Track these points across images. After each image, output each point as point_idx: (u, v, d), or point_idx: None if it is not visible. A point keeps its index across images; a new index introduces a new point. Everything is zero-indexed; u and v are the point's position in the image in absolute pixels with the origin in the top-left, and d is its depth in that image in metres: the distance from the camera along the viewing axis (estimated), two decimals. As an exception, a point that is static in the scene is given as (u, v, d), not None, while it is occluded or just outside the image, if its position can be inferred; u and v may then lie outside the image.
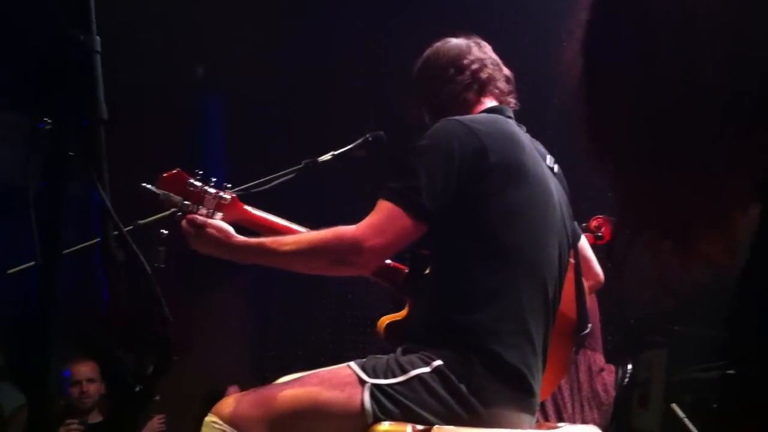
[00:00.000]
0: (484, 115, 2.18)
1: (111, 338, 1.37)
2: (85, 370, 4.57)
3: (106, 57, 1.20)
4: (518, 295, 1.99)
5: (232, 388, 5.08)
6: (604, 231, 3.77)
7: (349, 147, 2.43)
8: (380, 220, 1.97)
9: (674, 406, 3.15)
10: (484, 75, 2.24)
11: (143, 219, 2.25)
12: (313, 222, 2.22)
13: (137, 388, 1.89)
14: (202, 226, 2.08)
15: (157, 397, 1.81)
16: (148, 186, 2.20)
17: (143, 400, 1.84)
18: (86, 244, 2.19)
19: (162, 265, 2.00)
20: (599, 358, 3.81)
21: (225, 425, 1.87)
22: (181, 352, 1.81)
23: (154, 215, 2.26)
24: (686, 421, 3.07)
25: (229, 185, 2.28)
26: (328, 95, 5.71)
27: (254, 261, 2.12)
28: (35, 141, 1.15)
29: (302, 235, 2.13)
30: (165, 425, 4.79)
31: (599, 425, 3.41)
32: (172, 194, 2.20)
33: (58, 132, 1.14)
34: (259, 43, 5.49)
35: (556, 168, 2.24)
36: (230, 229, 2.10)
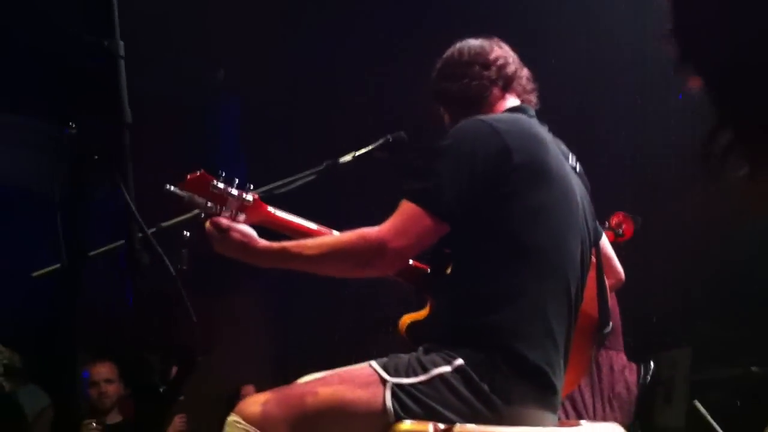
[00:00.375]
0: (507, 114, 2.18)
1: (136, 340, 1.39)
2: (103, 370, 4.60)
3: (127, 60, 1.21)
4: (541, 294, 1.99)
5: (248, 388, 5.09)
6: (625, 228, 3.76)
7: (369, 148, 2.43)
8: (403, 221, 1.98)
9: (697, 403, 3.13)
10: (509, 71, 2.24)
11: (167, 221, 2.26)
12: (335, 223, 2.22)
13: (162, 389, 1.91)
14: (227, 230, 2.09)
15: (181, 398, 1.83)
16: (172, 188, 2.21)
17: (168, 401, 1.86)
18: (111, 246, 2.20)
19: (185, 267, 2.01)
20: (621, 357, 3.80)
21: (248, 425, 1.88)
22: (203, 353, 1.82)
23: (178, 217, 2.27)
24: (710, 418, 3.05)
25: (252, 187, 2.28)
26: (347, 96, 5.72)
27: (278, 265, 2.13)
28: (60, 146, 1.16)
29: (325, 238, 2.14)
30: (186, 425, 4.81)
31: (621, 424, 3.40)
32: (195, 196, 2.21)
33: (83, 136, 1.16)
34: (278, 43, 5.51)
35: (578, 167, 2.24)
36: (254, 234, 2.10)
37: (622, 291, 2.91)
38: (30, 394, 4.38)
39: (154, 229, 2.11)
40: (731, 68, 0.89)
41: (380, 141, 2.43)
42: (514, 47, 2.31)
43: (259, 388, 1.96)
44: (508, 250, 2.00)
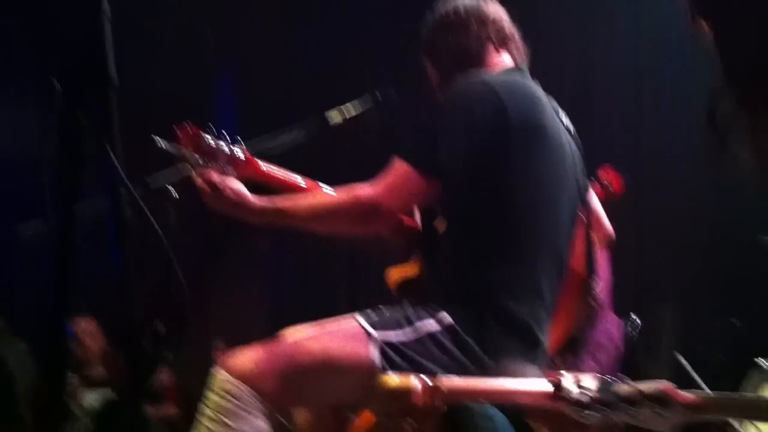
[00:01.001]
0: (503, 73, 2.17)
1: (126, 302, 1.39)
2: (86, 326, 4.62)
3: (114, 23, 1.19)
4: (530, 253, 2.01)
5: (220, 343, 5.09)
6: (614, 184, 3.76)
7: (359, 110, 2.41)
8: (396, 180, 1.99)
9: (679, 356, 3.18)
10: (504, 29, 2.23)
11: (155, 177, 2.24)
12: (326, 179, 2.22)
13: (150, 348, 1.92)
14: (219, 186, 2.08)
15: (170, 356, 1.83)
16: (162, 142, 2.19)
17: (156, 360, 1.87)
18: (98, 206, 2.19)
19: (174, 227, 2.00)
20: (608, 314, 3.84)
21: (234, 380, 1.89)
22: (192, 312, 1.82)
23: (167, 173, 2.24)
24: (692, 371, 3.10)
25: (242, 142, 2.26)
26: (339, 51, 5.67)
27: (269, 223, 2.14)
28: (47, 106, 1.15)
29: (318, 197, 2.14)
30: (174, 382, 4.84)
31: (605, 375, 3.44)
32: (185, 150, 2.19)
33: (69, 97, 1.14)
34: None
35: (569, 125, 2.24)
36: (245, 190, 2.10)
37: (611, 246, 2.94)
38: (15, 351, 4.39)
39: (142, 188, 2.09)
40: (739, 19, 0.88)
41: (368, 97, 2.41)
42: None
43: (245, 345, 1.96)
44: (499, 209, 2.01)
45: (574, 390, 1.46)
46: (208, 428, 1.86)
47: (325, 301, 5.98)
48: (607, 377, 1.45)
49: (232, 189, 2.08)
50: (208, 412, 1.88)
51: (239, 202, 2.07)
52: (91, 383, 4.46)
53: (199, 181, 2.11)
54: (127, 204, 1.34)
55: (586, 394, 1.44)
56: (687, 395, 1.36)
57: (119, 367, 4.59)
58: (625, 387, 1.40)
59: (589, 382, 1.46)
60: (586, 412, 1.44)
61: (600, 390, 1.43)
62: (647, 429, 1.38)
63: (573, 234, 2.17)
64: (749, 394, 2.92)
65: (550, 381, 1.53)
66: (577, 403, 1.45)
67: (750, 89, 0.89)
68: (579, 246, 2.23)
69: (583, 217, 2.26)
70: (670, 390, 1.36)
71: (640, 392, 1.38)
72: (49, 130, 1.17)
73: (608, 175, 3.79)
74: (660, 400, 1.35)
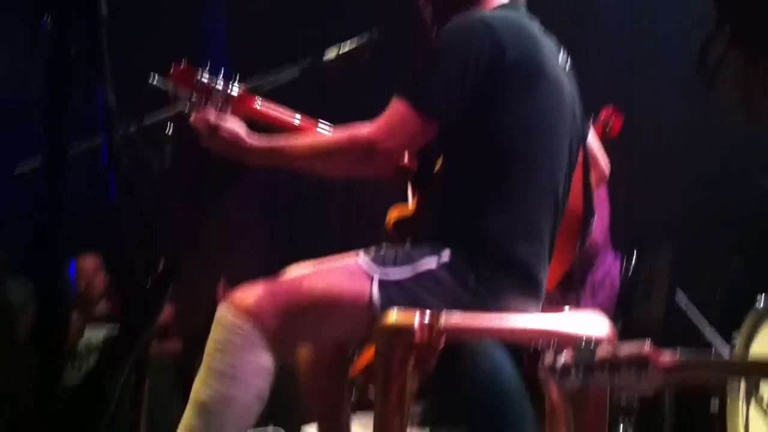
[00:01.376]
0: (500, 11, 2.13)
1: (120, 239, 1.39)
2: (89, 263, 4.65)
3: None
4: (528, 194, 2.01)
5: (223, 282, 5.13)
6: (613, 124, 3.74)
7: (354, 46, 2.38)
8: (393, 121, 1.97)
9: (677, 295, 3.20)
10: None
11: (149, 117, 2.22)
12: (323, 116, 2.21)
13: (148, 286, 1.92)
14: (214, 125, 2.06)
15: (168, 294, 1.84)
16: (156, 80, 2.16)
17: (155, 298, 1.87)
18: (92, 144, 2.18)
19: (168, 166, 1.99)
20: (607, 252, 3.85)
21: (237, 316, 1.90)
22: (189, 250, 1.82)
23: (160, 112, 2.23)
24: (689, 311, 3.12)
25: (237, 78, 2.24)
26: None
27: (266, 163, 2.13)
28: (37, 43, 1.13)
29: (316, 137, 2.13)
30: (174, 320, 4.88)
31: (603, 313, 3.48)
32: (180, 88, 2.16)
33: (59, 33, 1.12)
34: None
35: (567, 64, 2.21)
36: (242, 130, 2.08)
37: (609, 185, 2.93)
38: (15, 287, 4.42)
39: (135, 126, 2.08)
40: None
41: (362, 36, 2.38)
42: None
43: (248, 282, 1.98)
44: (498, 150, 2.00)
45: (553, 355, 1.46)
46: (213, 363, 1.89)
47: (323, 241, 6.01)
48: (585, 340, 1.45)
49: (227, 129, 2.06)
50: (212, 347, 1.90)
51: (234, 142, 2.06)
52: (94, 320, 4.51)
53: (193, 120, 2.09)
54: (121, 141, 1.33)
55: (564, 359, 1.44)
56: (666, 358, 1.36)
57: (121, 304, 4.64)
58: (603, 351, 1.40)
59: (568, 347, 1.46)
60: (564, 377, 1.44)
61: (578, 354, 1.43)
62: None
63: (571, 174, 2.16)
64: (726, 355, 2.95)
65: (530, 346, 1.53)
66: (555, 369, 1.45)
67: (743, 29, 0.88)
68: (577, 186, 2.23)
69: (582, 157, 2.25)
70: (648, 353, 1.36)
71: (619, 356, 1.38)
72: (40, 65, 1.15)
73: (609, 115, 3.77)
74: (639, 363, 1.35)
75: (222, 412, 1.86)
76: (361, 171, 2.11)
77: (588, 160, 2.29)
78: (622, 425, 3.08)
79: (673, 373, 1.35)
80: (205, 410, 1.86)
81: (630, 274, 3.72)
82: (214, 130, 2.05)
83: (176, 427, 1.90)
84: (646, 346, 1.37)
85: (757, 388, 2.82)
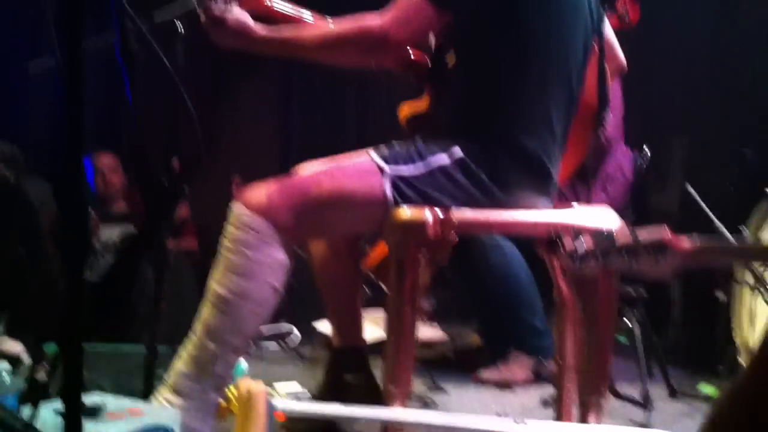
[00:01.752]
0: None
1: (137, 134, 1.40)
2: (106, 160, 4.67)
3: None
4: (541, 85, 1.99)
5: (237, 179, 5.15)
6: (631, 14, 3.66)
7: None
8: (405, 10, 1.95)
9: (689, 187, 3.20)
10: None
11: (159, 12, 2.19)
12: (334, 13, 2.17)
13: (166, 183, 1.94)
14: (222, 18, 2.04)
15: (185, 191, 1.86)
16: None
17: (173, 195, 1.90)
18: (105, 41, 2.16)
19: (182, 62, 1.98)
20: (620, 145, 3.84)
21: (251, 213, 1.93)
22: (205, 147, 1.83)
23: (171, 6, 2.19)
24: (701, 202, 3.13)
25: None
26: None
27: (276, 53, 2.11)
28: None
29: (326, 27, 2.10)
30: (191, 217, 4.93)
31: (614, 207, 3.50)
32: None
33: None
34: None
35: None
36: (249, 19, 2.06)
37: (623, 77, 2.89)
38: (34, 185, 4.46)
39: (148, 22, 2.05)
40: None
41: None
42: None
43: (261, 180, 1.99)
44: (510, 40, 1.97)
45: (572, 242, 1.48)
46: (229, 259, 1.92)
47: (336, 138, 5.99)
48: (604, 230, 1.47)
49: (234, 19, 2.04)
50: (227, 244, 1.93)
51: (242, 31, 2.04)
52: (112, 218, 4.56)
53: (202, 15, 2.07)
54: (134, 38, 1.32)
55: (584, 245, 1.46)
56: (684, 242, 1.38)
57: (139, 202, 4.69)
58: (622, 236, 1.42)
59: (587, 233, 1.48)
60: (584, 262, 1.46)
61: (598, 241, 1.45)
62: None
63: (586, 66, 2.14)
64: (744, 240, 2.97)
65: (548, 234, 1.55)
66: (575, 255, 1.47)
67: None
68: (591, 77, 2.21)
69: (597, 48, 2.22)
70: (667, 237, 1.38)
71: (638, 241, 1.40)
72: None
73: (626, 5, 3.68)
74: (657, 247, 1.38)
75: (238, 307, 1.90)
76: (371, 61, 2.10)
77: (603, 51, 2.26)
78: (629, 316, 3.13)
79: (691, 257, 1.38)
80: (222, 304, 1.90)
81: (643, 166, 3.71)
82: (222, 20, 2.03)
83: (194, 321, 1.95)
84: (664, 232, 1.39)
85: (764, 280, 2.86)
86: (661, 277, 1.41)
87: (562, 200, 2.22)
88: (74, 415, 1.09)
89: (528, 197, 2.01)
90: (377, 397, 1.99)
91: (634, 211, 3.68)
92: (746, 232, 3.03)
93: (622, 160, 3.82)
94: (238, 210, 1.94)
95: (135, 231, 4.28)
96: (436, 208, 1.89)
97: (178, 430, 1.72)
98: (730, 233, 3.06)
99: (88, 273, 1.18)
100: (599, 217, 2.03)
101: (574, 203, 2.24)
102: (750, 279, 2.98)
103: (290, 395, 2.79)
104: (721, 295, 3.25)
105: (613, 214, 2.03)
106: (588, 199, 3.58)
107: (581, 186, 3.58)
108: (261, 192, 1.96)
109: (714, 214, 3.12)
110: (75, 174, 1.14)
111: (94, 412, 1.61)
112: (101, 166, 4.64)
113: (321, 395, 2.38)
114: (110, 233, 4.39)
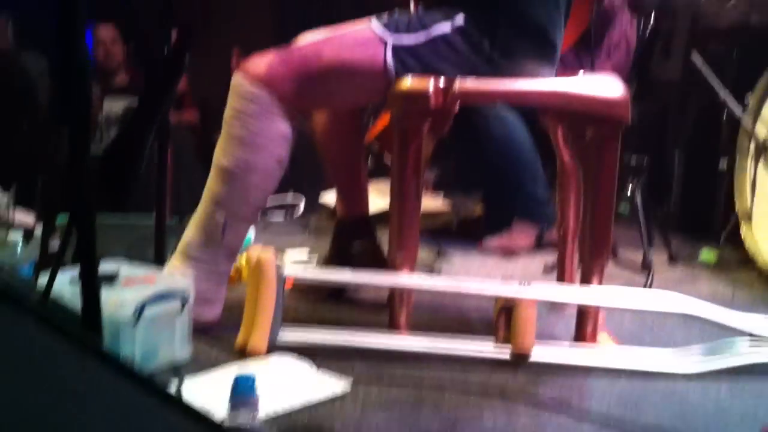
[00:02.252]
0: None
1: (136, 8, 1.38)
2: (107, 32, 4.59)
3: None
4: None
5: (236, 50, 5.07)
6: None
7: None
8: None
9: (694, 55, 3.16)
10: None
11: None
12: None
13: (165, 56, 1.93)
14: None
15: (186, 65, 1.85)
16: None
17: (172, 68, 1.89)
18: None
19: None
20: (624, 12, 3.77)
21: (252, 84, 1.93)
22: (202, 18, 1.81)
23: None
24: (706, 71, 3.09)
25: None
26: None
27: None
28: None
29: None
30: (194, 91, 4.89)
31: (619, 74, 3.48)
32: None
33: None
34: None
35: None
36: None
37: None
38: (30, 59, 4.40)
39: None
40: None
41: None
42: None
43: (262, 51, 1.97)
44: None
45: None
46: (232, 131, 1.94)
47: (337, 7, 5.87)
48: None
49: None
50: (230, 115, 1.94)
51: None
52: (113, 91, 4.52)
53: None
54: None
55: None
56: None
57: (140, 74, 4.62)
58: None
59: None
60: None
61: None
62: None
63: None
64: (740, 115, 2.95)
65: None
66: None
67: None
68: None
69: None
70: None
71: None
72: None
73: None
74: None
75: (244, 177, 1.93)
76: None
77: None
78: (631, 185, 3.16)
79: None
80: (228, 175, 1.93)
81: (647, 34, 3.65)
82: None
83: (200, 193, 1.98)
84: None
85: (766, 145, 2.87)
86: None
87: (566, 68, 2.20)
88: (91, 282, 1.13)
89: (530, 65, 2.00)
90: (383, 265, 2.05)
91: (637, 80, 3.64)
92: (749, 101, 3.02)
93: (626, 29, 3.76)
94: (238, 81, 1.94)
95: (137, 103, 4.26)
96: (439, 78, 1.89)
97: (191, 295, 1.78)
98: (733, 103, 3.05)
99: (91, 146, 1.19)
100: (604, 85, 2.03)
101: (581, 71, 2.23)
102: (752, 146, 2.98)
103: (299, 262, 2.86)
104: (723, 161, 3.26)
105: (618, 82, 2.03)
106: (592, 68, 3.54)
107: (585, 54, 3.53)
108: (262, 62, 1.95)
109: (717, 84, 3.09)
110: (76, 46, 1.14)
111: (110, 279, 1.67)
112: (101, 38, 4.56)
113: (328, 263, 2.44)
114: (113, 106, 4.37)
